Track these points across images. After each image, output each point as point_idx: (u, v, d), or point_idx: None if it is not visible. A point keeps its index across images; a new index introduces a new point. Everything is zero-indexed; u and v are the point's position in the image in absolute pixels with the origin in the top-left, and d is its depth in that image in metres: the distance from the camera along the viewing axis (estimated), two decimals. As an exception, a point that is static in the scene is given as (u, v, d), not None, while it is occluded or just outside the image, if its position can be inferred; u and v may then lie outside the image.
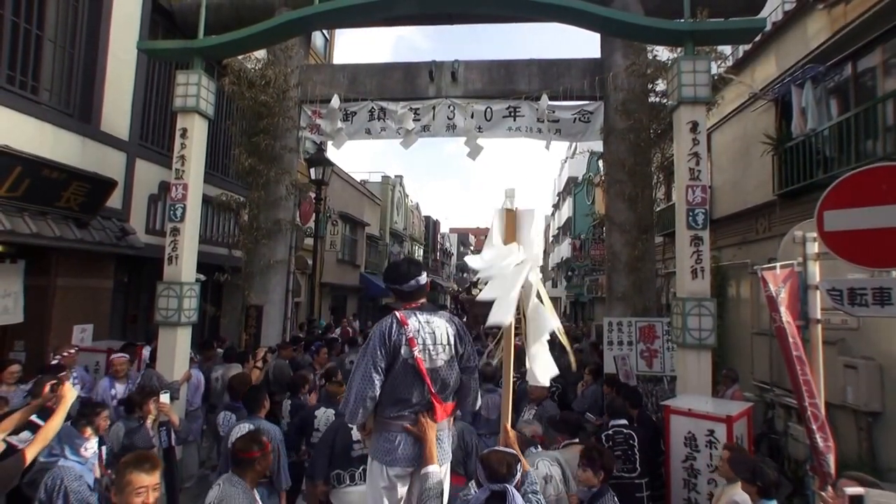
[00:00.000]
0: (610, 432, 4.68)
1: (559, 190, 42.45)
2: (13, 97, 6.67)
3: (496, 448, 2.73)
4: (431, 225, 44.97)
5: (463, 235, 66.88)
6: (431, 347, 2.75)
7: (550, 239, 46.35)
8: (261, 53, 9.10)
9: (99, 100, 7.89)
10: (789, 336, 3.15)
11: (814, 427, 3.04)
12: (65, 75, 7.64)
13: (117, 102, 8.23)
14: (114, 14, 8.06)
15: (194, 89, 6.79)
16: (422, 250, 40.16)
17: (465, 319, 18.26)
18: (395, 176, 30.04)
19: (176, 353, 6.56)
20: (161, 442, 4.65)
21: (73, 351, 6.41)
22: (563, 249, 36.75)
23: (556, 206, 45.18)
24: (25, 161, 6.26)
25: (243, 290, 8.60)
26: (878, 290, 3.00)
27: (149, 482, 2.48)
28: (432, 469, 2.57)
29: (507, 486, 2.46)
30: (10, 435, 3.41)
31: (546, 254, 50.86)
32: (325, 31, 16.02)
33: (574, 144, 31.95)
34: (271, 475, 4.26)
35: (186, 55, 7.04)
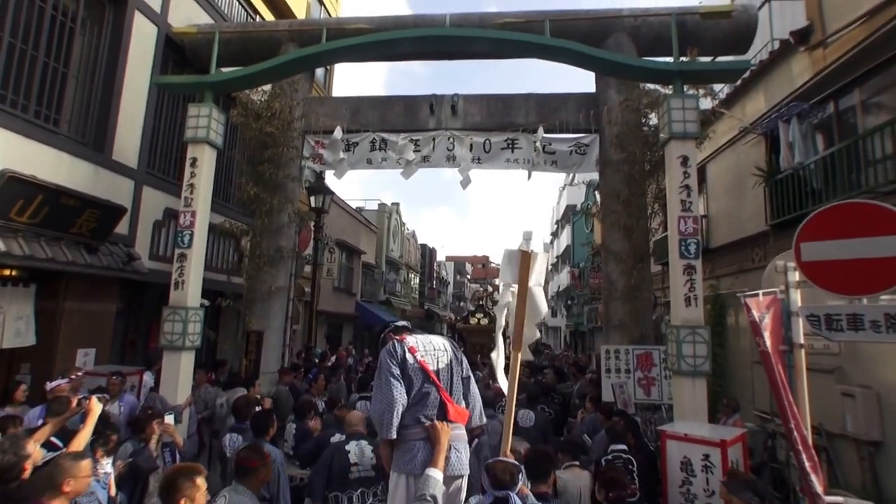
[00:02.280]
0: (609, 457, 4.81)
1: (558, 218, 42.77)
2: (38, 130, 6.99)
3: (500, 458, 2.91)
4: (428, 253, 45.14)
5: (459, 264, 67.07)
6: (432, 353, 3.00)
7: (549, 268, 46.51)
8: (267, 86, 9.43)
9: (112, 130, 8.16)
10: (773, 359, 3.32)
11: (799, 448, 3.19)
12: (83, 108, 7.94)
13: (128, 132, 8.50)
14: (131, 49, 8.40)
15: (205, 121, 7.07)
16: (418, 279, 40.25)
17: (463, 349, 18.28)
18: (392, 204, 30.37)
19: (180, 376, 6.70)
20: (165, 462, 4.75)
21: (80, 374, 6.52)
22: (563, 278, 36.93)
23: (555, 235, 45.42)
24: (46, 190, 6.54)
25: (244, 315, 8.74)
26: (851, 316, 3.20)
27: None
28: (434, 473, 2.61)
29: (510, 492, 2.63)
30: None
31: (546, 283, 51.01)
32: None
33: (572, 175, 32.53)
34: (272, 498, 4.37)
35: (199, 89, 7.36)
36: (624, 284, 7.89)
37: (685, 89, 6.45)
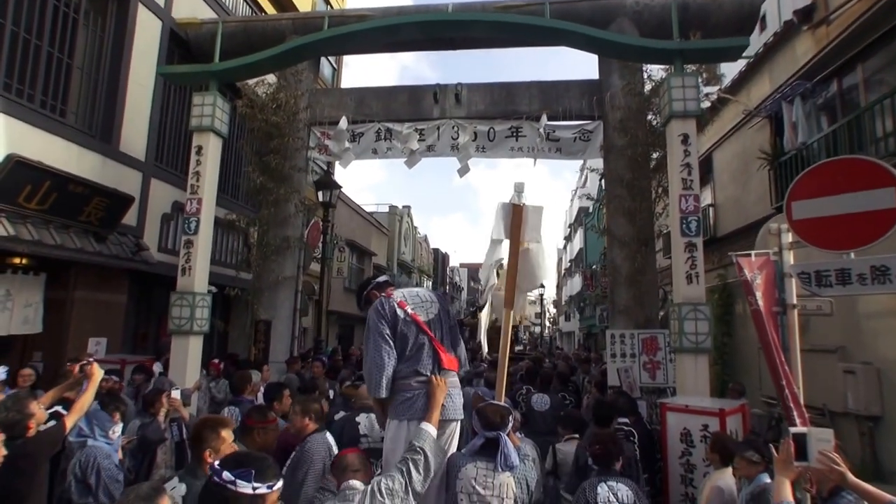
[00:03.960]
0: (605, 432, 4.82)
1: (570, 222, 42.64)
2: (45, 119, 7.14)
3: (491, 402, 2.98)
4: (440, 258, 45.02)
5: (473, 270, 66.74)
6: (420, 304, 3.03)
7: (563, 272, 46.27)
8: (272, 79, 9.55)
9: (119, 122, 8.31)
10: (764, 319, 3.31)
11: (790, 405, 3.17)
12: (89, 99, 8.09)
13: (135, 125, 8.66)
14: (135, 42, 8.56)
15: (210, 109, 7.18)
16: (430, 283, 40.23)
17: (470, 344, 18.34)
18: (403, 206, 30.29)
19: (188, 360, 6.79)
20: (173, 436, 4.84)
21: (91, 360, 6.62)
22: (576, 283, 36.76)
23: (568, 239, 45.26)
24: (54, 176, 6.68)
25: (252, 305, 8.83)
26: (839, 271, 3.20)
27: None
28: (427, 427, 2.66)
29: (501, 433, 2.69)
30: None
31: (559, 287, 50.67)
32: (332, 62, 16.62)
33: (584, 176, 32.39)
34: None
35: (203, 78, 7.47)
36: (628, 269, 7.85)
37: (685, 69, 6.44)
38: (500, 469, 2.64)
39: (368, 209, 25.12)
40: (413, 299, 3.06)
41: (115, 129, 8.25)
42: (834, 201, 3.30)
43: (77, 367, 3.97)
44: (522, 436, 4.33)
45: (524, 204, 3.22)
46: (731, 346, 9.97)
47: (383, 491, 2.33)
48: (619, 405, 5.18)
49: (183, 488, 2.51)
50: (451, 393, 2.96)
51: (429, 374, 2.92)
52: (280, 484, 1.85)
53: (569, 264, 43.28)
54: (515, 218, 3.17)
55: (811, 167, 3.54)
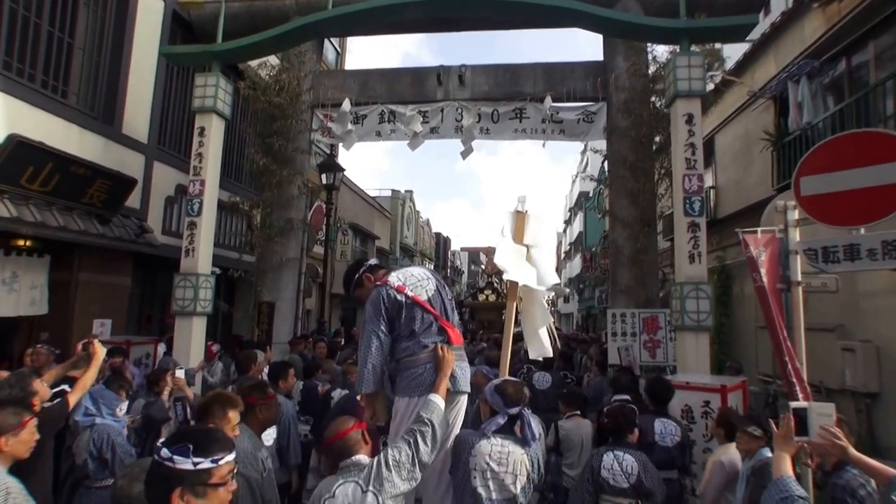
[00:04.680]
0: (614, 406, 4.87)
1: (570, 206, 42.64)
2: (46, 100, 7.09)
3: (506, 378, 3.03)
4: (442, 241, 45.23)
5: (474, 254, 66.93)
6: (417, 284, 3.01)
7: (563, 255, 46.31)
8: (274, 61, 9.49)
9: (121, 104, 8.27)
10: (768, 296, 3.33)
11: (793, 380, 3.19)
12: (91, 80, 8.04)
13: (137, 107, 8.61)
14: (137, 24, 8.49)
15: (212, 90, 7.16)
16: (432, 266, 40.39)
17: (471, 325, 18.45)
18: (406, 191, 30.45)
19: (192, 341, 6.85)
20: (177, 415, 4.88)
21: (96, 341, 6.66)
22: (575, 266, 36.85)
23: (568, 223, 45.26)
24: (56, 157, 6.66)
25: (256, 286, 8.86)
26: (847, 247, 3.20)
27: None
28: (435, 399, 2.63)
29: (522, 408, 2.73)
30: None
31: (558, 270, 50.80)
32: (336, 46, 16.50)
33: (585, 159, 32.33)
34: (282, 449, 4.48)
35: (205, 59, 7.42)
36: (630, 249, 7.88)
37: (691, 49, 6.40)
38: (524, 444, 2.68)
39: (371, 194, 25.14)
40: (410, 280, 3.03)
41: (117, 111, 8.21)
42: (845, 176, 3.27)
43: (80, 346, 4.00)
44: (531, 412, 4.40)
45: (526, 212, 3.59)
46: (728, 326, 10.07)
47: (390, 463, 2.28)
48: (621, 382, 5.25)
49: None
50: (461, 366, 2.98)
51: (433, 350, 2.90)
52: (230, 457, 1.69)
53: (568, 247, 43.32)
54: (518, 224, 3.53)
55: (822, 142, 3.53)
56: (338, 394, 5.18)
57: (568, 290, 38.12)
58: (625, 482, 3.19)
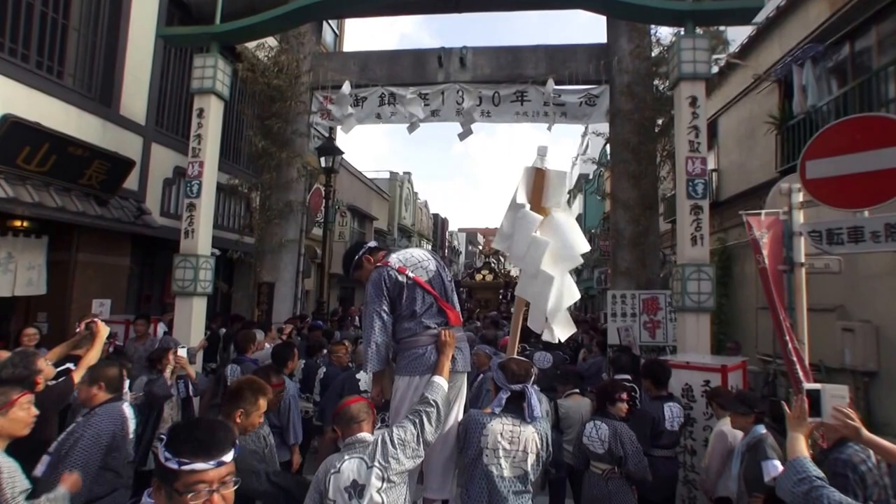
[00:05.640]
0: (604, 386, 4.92)
1: (570, 188, 42.49)
2: (43, 80, 7.01)
3: (512, 356, 3.05)
4: (440, 222, 45.20)
5: (471, 234, 66.88)
6: (418, 265, 3.02)
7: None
8: (273, 42, 9.38)
9: (118, 85, 8.18)
10: (770, 277, 3.34)
11: (794, 359, 3.21)
12: (87, 61, 7.94)
13: (135, 88, 8.52)
14: (133, 5, 8.36)
15: (211, 72, 7.08)
16: (430, 246, 40.41)
17: (468, 304, 18.51)
18: (403, 172, 30.31)
19: (192, 321, 6.87)
20: (179, 392, 4.91)
21: (98, 319, 6.66)
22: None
23: (567, 205, 45.14)
24: (52, 137, 6.59)
25: (255, 267, 8.86)
26: (852, 229, 3.20)
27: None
28: (439, 380, 2.69)
29: (526, 385, 2.73)
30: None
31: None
32: (334, 28, 16.29)
33: (586, 142, 32.20)
34: (283, 427, 4.50)
35: (204, 40, 7.35)
36: (631, 232, 7.89)
37: (696, 30, 6.33)
38: (527, 420, 2.70)
39: (370, 175, 25.02)
40: (410, 261, 3.04)
41: (114, 93, 8.13)
42: (851, 160, 3.27)
43: (83, 325, 4.00)
44: (538, 390, 4.45)
45: (546, 168, 3.13)
46: (728, 307, 10.15)
47: (395, 441, 2.33)
48: (622, 362, 5.28)
49: None
50: (461, 347, 3.00)
51: (435, 331, 2.94)
52: (227, 457, 1.48)
53: (568, 231, 43.23)
54: (537, 181, 3.08)
55: (828, 126, 3.51)
56: (341, 376, 5.18)
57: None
58: (601, 448, 3.63)
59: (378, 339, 2.90)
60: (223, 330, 8.30)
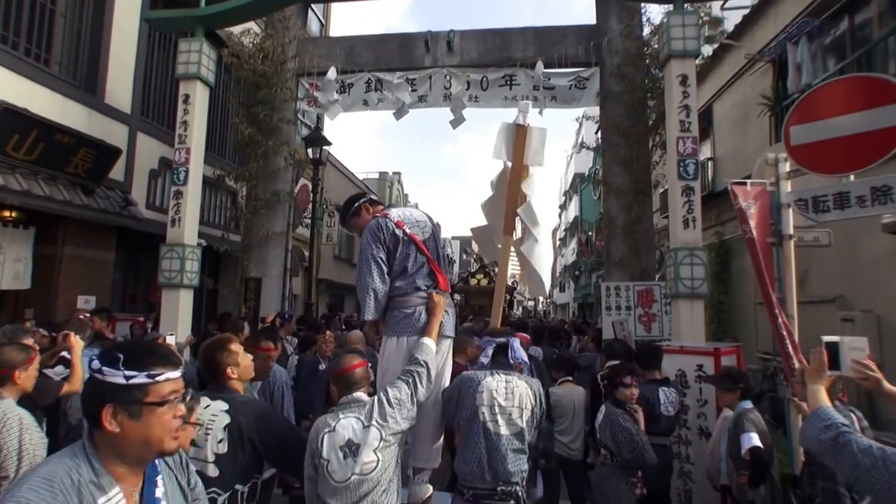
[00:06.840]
0: (608, 371, 4.81)
1: (566, 188, 42.07)
2: (30, 68, 6.91)
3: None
4: (432, 226, 44.51)
5: (465, 242, 65.11)
6: (416, 224, 3.01)
7: (557, 243, 45.87)
8: (258, 29, 9.24)
9: (104, 72, 8.05)
10: (757, 248, 3.22)
11: (783, 332, 3.10)
12: (73, 48, 7.81)
13: (120, 76, 8.39)
14: (118, -12, 8.22)
15: (196, 56, 6.94)
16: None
17: (460, 309, 18.29)
18: (393, 173, 30.07)
19: (179, 314, 6.72)
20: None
21: (87, 315, 6.55)
22: (570, 254, 36.57)
23: (563, 207, 44.71)
24: (41, 124, 6.52)
25: (242, 262, 8.74)
26: (837, 195, 3.10)
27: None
28: (428, 341, 2.71)
29: (509, 338, 2.87)
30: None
31: (554, 258, 50.30)
32: (320, 16, 16.10)
33: (580, 140, 31.89)
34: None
35: (189, 24, 7.20)
36: (624, 219, 7.76)
37: (686, 7, 6.19)
38: (512, 369, 2.81)
39: (359, 176, 24.78)
40: (409, 219, 3.03)
41: (99, 80, 8.00)
42: (833, 123, 3.17)
43: (60, 337, 3.95)
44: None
45: (528, 125, 3.07)
46: (727, 302, 9.95)
47: (392, 401, 2.38)
48: (615, 348, 5.16)
49: (223, 404, 2.39)
50: (448, 311, 3.00)
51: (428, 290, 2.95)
52: (173, 374, 1.42)
53: (563, 233, 42.93)
54: (519, 139, 3.04)
55: (810, 90, 3.40)
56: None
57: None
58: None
59: (376, 286, 2.88)
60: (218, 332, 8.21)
